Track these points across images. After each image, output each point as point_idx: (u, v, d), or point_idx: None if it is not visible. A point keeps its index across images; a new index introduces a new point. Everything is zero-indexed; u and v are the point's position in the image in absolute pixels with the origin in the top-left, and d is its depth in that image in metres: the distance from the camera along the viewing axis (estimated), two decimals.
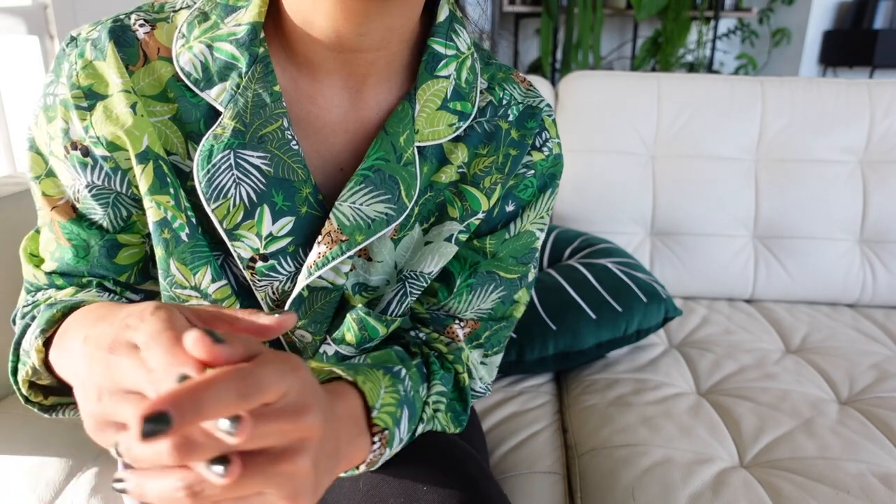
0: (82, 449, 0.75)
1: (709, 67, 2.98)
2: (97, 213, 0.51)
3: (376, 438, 0.46)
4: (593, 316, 1.00)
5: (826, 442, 0.81)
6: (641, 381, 0.97)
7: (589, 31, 2.76)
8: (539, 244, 0.59)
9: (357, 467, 0.47)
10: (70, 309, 0.46)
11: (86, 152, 0.49)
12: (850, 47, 2.90)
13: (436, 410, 0.55)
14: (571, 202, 1.32)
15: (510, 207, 0.56)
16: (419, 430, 0.53)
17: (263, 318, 0.35)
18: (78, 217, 0.51)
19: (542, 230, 0.58)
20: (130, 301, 0.57)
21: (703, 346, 1.09)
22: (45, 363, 0.46)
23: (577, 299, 1.01)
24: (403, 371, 0.51)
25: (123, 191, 0.51)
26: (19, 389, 0.50)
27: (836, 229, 1.27)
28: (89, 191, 0.50)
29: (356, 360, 0.54)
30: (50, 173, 0.51)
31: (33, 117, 0.51)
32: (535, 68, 3.13)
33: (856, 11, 2.93)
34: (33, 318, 0.52)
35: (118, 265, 0.53)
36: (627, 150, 1.31)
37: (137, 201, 0.52)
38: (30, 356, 0.46)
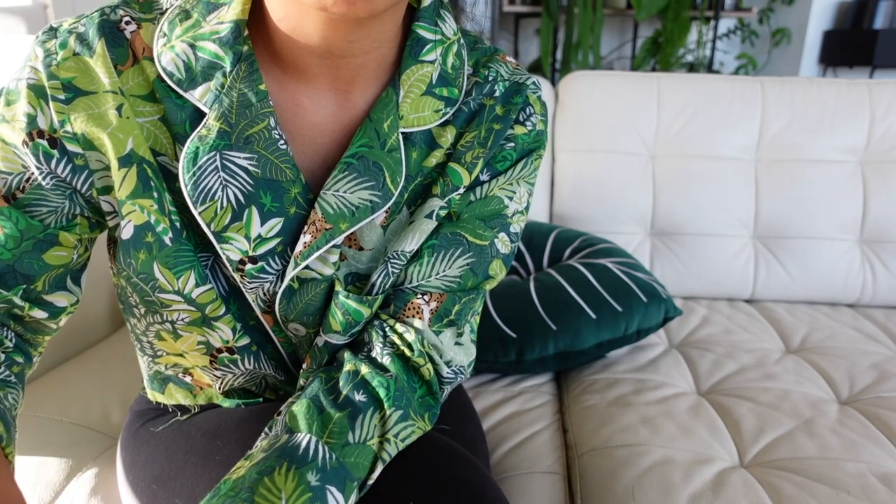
0: (82, 449, 0.75)
1: (709, 67, 2.98)
2: (49, 205, 0.49)
3: None
4: (593, 316, 1.00)
5: (826, 442, 0.81)
6: (641, 381, 0.97)
7: (589, 31, 2.76)
8: (508, 212, 0.56)
9: None
10: None
11: (53, 143, 0.47)
12: (850, 47, 2.90)
13: (403, 439, 0.49)
14: (571, 202, 1.32)
15: (484, 177, 0.55)
16: (379, 468, 0.47)
17: None
18: (16, 206, 0.48)
19: (510, 198, 0.55)
20: (33, 321, 0.53)
21: (703, 346, 1.09)
22: None
23: (577, 299, 1.01)
24: (313, 442, 0.45)
25: (82, 190, 0.49)
26: None
27: (836, 229, 1.27)
28: (50, 180, 0.48)
29: (273, 442, 0.46)
30: None
31: None
32: (536, 68, 3.13)
33: (856, 11, 2.93)
34: None
35: (45, 264, 0.50)
36: (627, 150, 1.31)
37: (89, 203, 0.50)
38: None
